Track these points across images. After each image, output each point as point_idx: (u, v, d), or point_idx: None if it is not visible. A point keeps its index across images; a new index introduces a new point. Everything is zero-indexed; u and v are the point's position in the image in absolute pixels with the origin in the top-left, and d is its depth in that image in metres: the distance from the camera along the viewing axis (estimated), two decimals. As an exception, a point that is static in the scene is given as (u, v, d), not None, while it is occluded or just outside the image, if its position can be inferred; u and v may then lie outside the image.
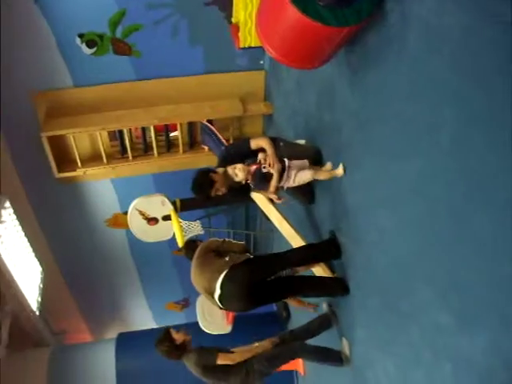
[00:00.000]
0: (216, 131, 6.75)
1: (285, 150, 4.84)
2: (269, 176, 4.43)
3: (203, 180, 4.54)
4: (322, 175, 4.50)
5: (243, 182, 4.50)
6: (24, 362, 7.45)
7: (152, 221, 6.93)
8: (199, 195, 4.71)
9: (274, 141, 4.83)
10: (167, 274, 9.51)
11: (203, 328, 6.97)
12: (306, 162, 4.56)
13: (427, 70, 2.84)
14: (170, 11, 5.97)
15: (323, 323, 5.25)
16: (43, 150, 6.42)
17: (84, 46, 6.04)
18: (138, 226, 6.88)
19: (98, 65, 6.26)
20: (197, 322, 7.09)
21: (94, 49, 6.09)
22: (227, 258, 4.37)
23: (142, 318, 10.84)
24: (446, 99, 2.68)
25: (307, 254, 4.82)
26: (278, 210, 5.50)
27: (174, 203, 6.94)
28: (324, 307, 5.40)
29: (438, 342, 3.05)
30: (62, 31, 5.87)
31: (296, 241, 5.29)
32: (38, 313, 8.12)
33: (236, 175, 4.38)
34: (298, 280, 4.79)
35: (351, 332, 4.67)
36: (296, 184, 4.54)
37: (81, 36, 5.95)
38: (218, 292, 4.27)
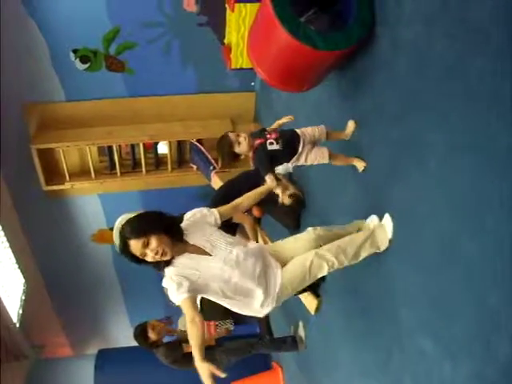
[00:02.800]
0: (205, 151, 6.79)
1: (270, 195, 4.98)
2: (275, 154, 3.68)
3: None
4: (339, 159, 3.80)
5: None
6: (2, 374, 7.34)
7: (138, 237, 6.91)
8: None
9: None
10: (151, 292, 9.43)
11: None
12: (322, 128, 3.83)
13: (416, 95, 2.90)
14: (164, 31, 6.04)
15: (292, 344, 5.56)
16: (32, 162, 6.44)
17: (78, 62, 6.08)
18: (123, 243, 6.86)
19: (91, 80, 6.30)
20: (178, 341, 7.05)
21: (88, 64, 6.14)
22: None
23: (124, 334, 10.71)
24: (434, 124, 2.72)
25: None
26: (265, 234, 5.60)
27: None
28: (300, 328, 5.57)
29: (419, 369, 3.05)
30: (56, 46, 5.92)
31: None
32: (18, 325, 8.04)
33: (239, 144, 3.64)
34: None
35: (334, 354, 4.67)
36: (309, 163, 3.83)
37: (75, 51, 6.00)
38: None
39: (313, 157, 3.74)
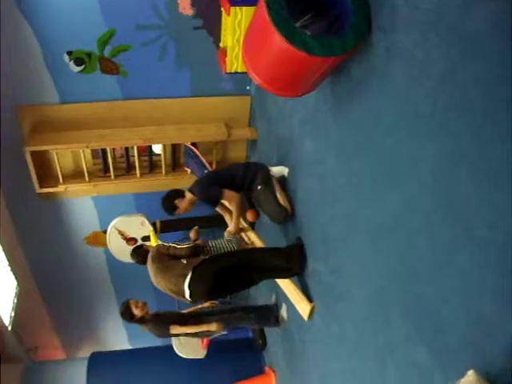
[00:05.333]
0: (199, 154, 6.77)
1: (259, 197, 5.25)
2: None
3: (168, 203, 5.24)
4: None
5: None
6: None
7: (131, 241, 6.89)
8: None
9: (254, 176, 5.10)
10: (144, 295, 9.36)
11: (177, 352, 6.90)
12: None
13: (410, 103, 2.87)
14: (159, 33, 6.01)
15: (265, 313, 6.04)
16: (26, 165, 6.40)
17: (72, 64, 6.06)
18: (116, 246, 6.85)
19: (85, 83, 6.27)
20: (172, 345, 7.03)
21: (82, 67, 6.11)
22: (185, 261, 4.85)
23: (117, 337, 10.71)
24: (428, 133, 2.70)
25: (268, 252, 5.17)
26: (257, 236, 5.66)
27: (153, 224, 6.93)
28: (272, 299, 6.08)
29: (413, 379, 3.03)
30: (50, 48, 5.89)
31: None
32: (10, 328, 8.01)
33: None
34: (257, 268, 5.00)
35: (327, 361, 4.65)
36: None
37: (69, 53, 5.97)
38: (187, 292, 4.76)
39: None
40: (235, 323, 5.98)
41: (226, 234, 5.61)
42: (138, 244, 5.74)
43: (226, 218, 5.68)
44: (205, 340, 7.04)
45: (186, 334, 5.75)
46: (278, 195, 5.20)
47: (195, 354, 7.02)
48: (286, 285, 5.20)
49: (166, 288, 4.96)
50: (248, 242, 5.65)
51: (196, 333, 5.69)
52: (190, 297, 4.82)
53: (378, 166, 3.33)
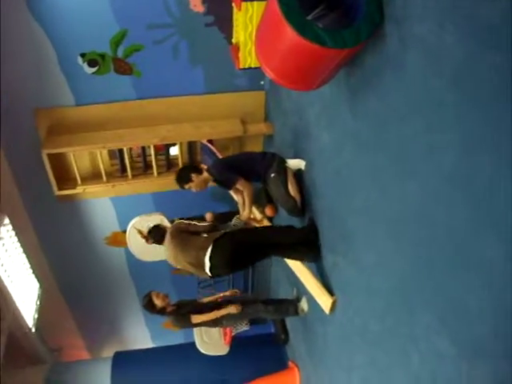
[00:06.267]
0: (216, 151, 6.76)
1: (271, 185, 5.36)
2: None
3: (184, 174, 5.38)
4: None
5: None
6: (20, 379, 7.39)
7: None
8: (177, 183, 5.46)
9: (270, 165, 5.28)
10: (165, 292, 9.47)
11: (200, 349, 6.91)
12: None
13: (426, 92, 2.84)
14: (171, 32, 6.01)
15: (284, 305, 6.07)
16: (43, 167, 6.44)
17: (86, 66, 6.08)
18: (136, 245, 6.87)
19: (100, 84, 6.30)
20: (194, 342, 7.05)
21: (96, 68, 6.14)
22: (205, 235, 5.01)
23: (140, 336, 10.77)
24: (445, 122, 2.68)
25: (284, 231, 5.27)
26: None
27: (172, 222, 6.93)
28: (294, 293, 6.16)
29: (438, 369, 3.02)
30: (64, 50, 5.92)
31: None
32: (34, 330, 8.08)
33: None
34: (275, 244, 5.17)
35: (350, 357, 4.63)
36: None
37: (83, 55, 6.00)
38: (207, 265, 4.85)
39: None
40: (254, 314, 5.99)
41: (234, 219, 5.69)
42: (155, 224, 5.72)
43: (238, 199, 5.77)
44: (227, 336, 7.05)
45: (207, 324, 5.78)
46: (290, 185, 5.27)
47: (218, 350, 7.03)
48: (307, 278, 5.20)
49: (185, 262, 5.03)
50: None
51: (216, 322, 5.71)
52: (210, 270, 4.89)
53: (396, 157, 3.30)
